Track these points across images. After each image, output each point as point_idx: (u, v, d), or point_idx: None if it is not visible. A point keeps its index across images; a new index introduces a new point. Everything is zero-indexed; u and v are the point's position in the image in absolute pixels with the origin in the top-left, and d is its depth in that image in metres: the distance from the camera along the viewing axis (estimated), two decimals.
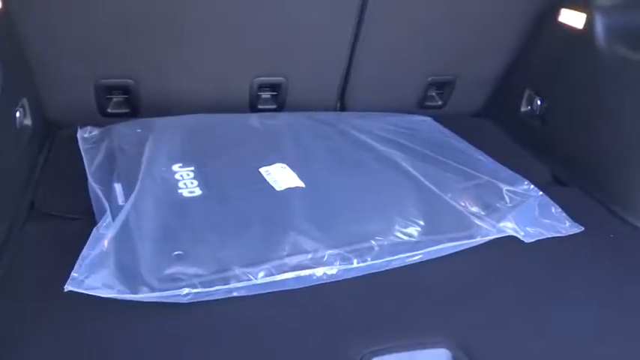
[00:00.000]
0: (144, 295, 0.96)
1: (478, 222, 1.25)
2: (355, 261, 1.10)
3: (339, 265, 1.09)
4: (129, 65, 1.55)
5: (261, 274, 1.03)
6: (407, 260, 1.14)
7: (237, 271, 1.03)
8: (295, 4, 1.56)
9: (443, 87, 1.87)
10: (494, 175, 1.43)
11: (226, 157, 1.38)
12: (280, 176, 1.31)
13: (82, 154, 1.37)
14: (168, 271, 1.01)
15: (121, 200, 1.18)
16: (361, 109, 1.76)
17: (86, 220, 1.14)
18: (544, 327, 1.06)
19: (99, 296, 0.95)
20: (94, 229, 1.06)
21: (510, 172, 1.46)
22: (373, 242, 1.14)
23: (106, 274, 0.98)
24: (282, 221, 1.16)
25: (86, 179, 1.26)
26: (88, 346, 0.92)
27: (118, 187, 1.22)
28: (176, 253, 1.05)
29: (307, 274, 1.06)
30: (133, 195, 1.17)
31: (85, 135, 1.45)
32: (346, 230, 1.17)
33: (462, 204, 1.30)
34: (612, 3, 1.54)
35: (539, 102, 1.72)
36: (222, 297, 1.00)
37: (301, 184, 1.29)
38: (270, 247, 1.09)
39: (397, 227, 1.19)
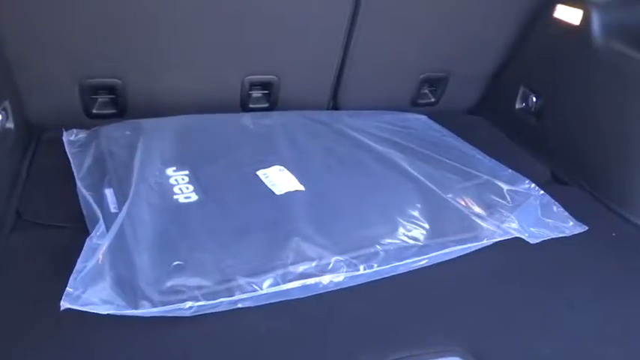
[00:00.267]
0: (145, 311, 0.91)
1: (482, 223, 1.24)
2: (362, 267, 1.07)
3: (345, 272, 1.06)
4: (115, 64, 1.48)
5: (266, 283, 0.99)
6: (413, 265, 1.12)
7: (241, 281, 0.99)
8: (287, 0, 1.52)
9: (436, 84, 1.84)
10: (493, 173, 1.42)
11: (221, 160, 1.33)
12: (279, 179, 1.27)
13: (70, 158, 1.30)
14: (169, 283, 0.97)
15: (113, 207, 1.12)
16: (354, 108, 1.73)
17: (76, 228, 1.09)
18: (553, 329, 1.04)
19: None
20: (88, 239, 1.01)
21: (510, 170, 1.45)
22: (379, 247, 1.12)
23: (103, 288, 0.94)
24: (284, 227, 1.12)
25: (74, 185, 1.20)
26: None
27: (109, 193, 1.16)
28: (175, 263, 1.01)
29: (313, 282, 1.03)
30: (127, 202, 1.11)
31: (71, 138, 1.38)
32: (350, 235, 1.14)
33: (464, 205, 1.28)
34: None
35: (534, 99, 1.71)
36: (227, 309, 0.96)
37: (301, 188, 1.25)
38: (273, 255, 1.05)
39: (402, 231, 1.17)
